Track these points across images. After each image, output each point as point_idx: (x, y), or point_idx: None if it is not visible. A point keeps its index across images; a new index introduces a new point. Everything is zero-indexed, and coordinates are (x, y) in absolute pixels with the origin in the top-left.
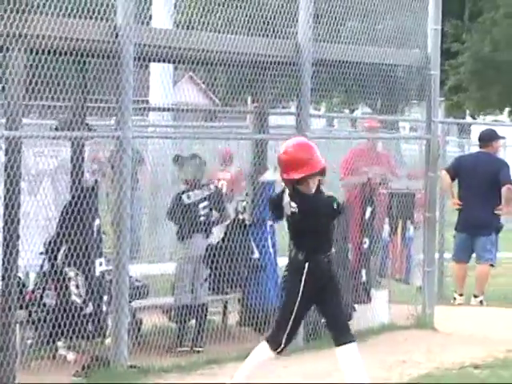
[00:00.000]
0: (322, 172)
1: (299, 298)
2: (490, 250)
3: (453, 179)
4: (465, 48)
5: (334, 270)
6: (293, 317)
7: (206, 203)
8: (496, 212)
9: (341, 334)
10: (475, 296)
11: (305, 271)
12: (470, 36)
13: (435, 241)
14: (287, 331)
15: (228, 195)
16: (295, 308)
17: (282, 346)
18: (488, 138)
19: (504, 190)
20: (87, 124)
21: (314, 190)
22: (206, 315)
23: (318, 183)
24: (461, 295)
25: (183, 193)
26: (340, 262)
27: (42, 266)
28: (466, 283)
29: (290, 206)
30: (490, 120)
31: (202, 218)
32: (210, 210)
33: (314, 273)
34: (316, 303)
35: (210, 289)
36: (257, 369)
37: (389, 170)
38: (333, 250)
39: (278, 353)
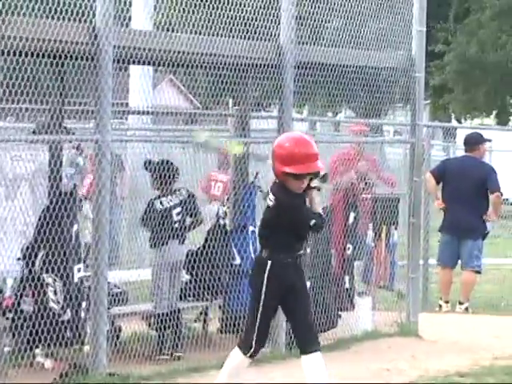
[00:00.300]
0: (322, 176)
1: (262, 299)
2: (477, 256)
3: (438, 182)
4: (450, 49)
5: (302, 272)
6: (258, 319)
7: (179, 209)
8: (485, 218)
9: (306, 343)
10: (460, 303)
11: (267, 270)
12: (455, 37)
13: (420, 246)
14: (255, 334)
15: (221, 197)
16: (259, 309)
17: (252, 349)
18: (474, 141)
19: (493, 197)
20: (65, 127)
21: (301, 191)
22: (180, 321)
23: (310, 187)
24: (446, 302)
25: (156, 199)
26: (323, 268)
27: (19, 272)
28: (451, 290)
29: (268, 197)
30: (477, 124)
31: (176, 225)
32: (184, 215)
33: (276, 273)
34: (282, 306)
35: (190, 295)
36: (233, 376)
37: (376, 174)
38: (304, 251)
39: (251, 357)
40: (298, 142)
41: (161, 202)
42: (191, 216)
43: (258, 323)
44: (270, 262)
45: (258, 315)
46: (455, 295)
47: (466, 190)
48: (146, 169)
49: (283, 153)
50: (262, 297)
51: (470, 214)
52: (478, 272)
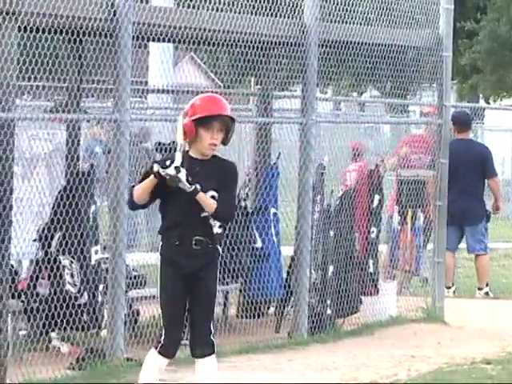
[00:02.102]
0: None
1: (164, 290)
2: (479, 239)
3: None
4: (480, 27)
5: (212, 261)
6: (163, 312)
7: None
8: (492, 212)
9: (200, 345)
10: (479, 288)
11: (159, 253)
12: (485, 15)
13: (446, 230)
14: (164, 330)
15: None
16: (162, 302)
17: (161, 344)
18: (466, 121)
19: (493, 184)
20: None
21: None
22: None
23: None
24: (448, 288)
25: None
26: (346, 252)
27: (35, 254)
28: (454, 275)
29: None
30: (506, 104)
31: None
32: None
33: (167, 258)
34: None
35: None
36: (153, 378)
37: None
38: (214, 232)
39: (162, 355)
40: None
41: None
42: None
43: (166, 318)
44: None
45: (164, 310)
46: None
47: (462, 176)
48: (157, 150)
49: None
50: (164, 288)
51: (469, 200)
52: (485, 253)
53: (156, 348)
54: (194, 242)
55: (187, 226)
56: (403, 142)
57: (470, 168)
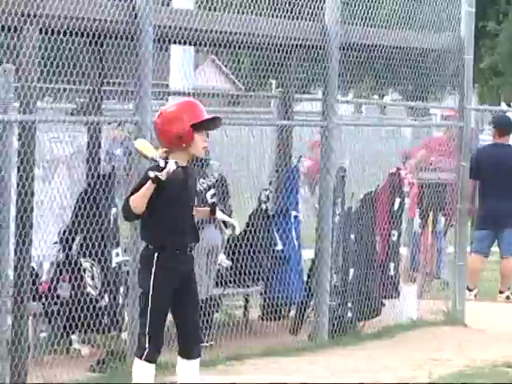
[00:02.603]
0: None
1: (151, 297)
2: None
3: (477, 178)
4: (501, 28)
5: (142, 267)
6: (153, 320)
7: (213, 191)
8: None
9: (187, 347)
10: (501, 292)
11: (154, 262)
12: (507, 17)
13: (467, 233)
14: (150, 337)
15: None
16: (153, 310)
17: (147, 351)
18: (507, 126)
19: None
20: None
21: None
22: (216, 308)
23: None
24: (470, 290)
25: None
26: (367, 255)
27: (56, 257)
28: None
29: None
30: None
31: None
32: (220, 198)
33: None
34: (173, 303)
35: (230, 281)
36: None
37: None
38: (150, 243)
39: (149, 361)
40: None
41: None
42: (221, 199)
43: (148, 325)
44: (156, 254)
45: (148, 317)
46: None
47: (500, 181)
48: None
49: None
50: (150, 295)
51: (507, 204)
52: None
53: (141, 357)
54: (189, 249)
55: (183, 233)
56: (421, 144)
57: (509, 172)
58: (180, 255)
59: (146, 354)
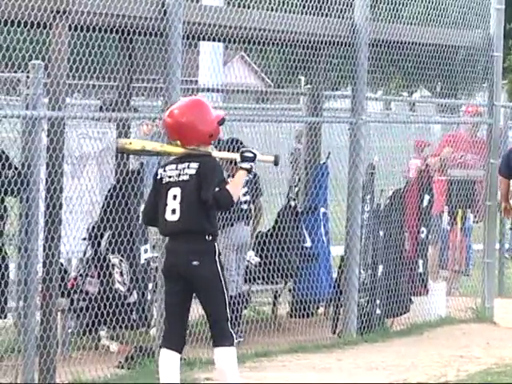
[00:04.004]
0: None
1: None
2: None
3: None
4: None
5: (208, 259)
6: (166, 309)
7: (245, 189)
8: None
9: (216, 336)
10: None
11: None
12: None
13: (496, 231)
14: (167, 326)
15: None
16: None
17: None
18: None
19: None
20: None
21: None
22: (245, 304)
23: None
24: None
25: None
26: (395, 252)
27: (84, 253)
28: None
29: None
30: None
31: (243, 205)
32: (251, 196)
33: (168, 257)
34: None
35: (259, 278)
36: (175, 377)
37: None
38: (212, 234)
39: (175, 350)
40: None
41: None
42: (252, 197)
43: (167, 314)
44: (165, 245)
45: (166, 305)
46: None
47: None
48: (216, 147)
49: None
50: (165, 286)
51: None
52: None
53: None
54: None
55: None
56: (445, 141)
57: None
58: None
59: (168, 343)
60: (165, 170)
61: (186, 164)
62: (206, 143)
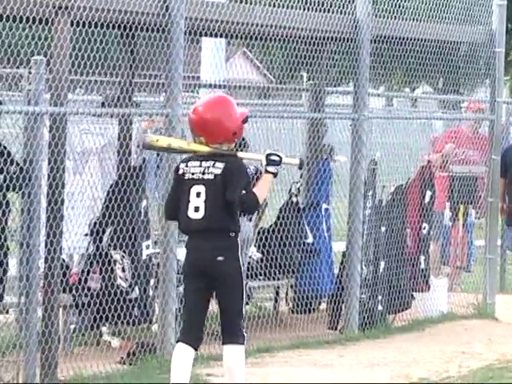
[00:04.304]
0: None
1: (185, 284)
2: None
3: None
4: None
5: (232, 256)
6: (184, 306)
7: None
8: None
9: (229, 333)
10: None
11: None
12: None
13: (498, 227)
14: (185, 321)
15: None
16: (184, 294)
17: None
18: None
19: None
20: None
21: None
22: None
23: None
24: None
25: None
26: (397, 248)
27: (86, 249)
28: None
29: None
30: None
31: None
32: None
33: (191, 254)
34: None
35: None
36: (186, 373)
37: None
38: (235, 232)
39: (192, 346)
40: None
41: None
42: None
43: (184, 311)
44: (187, 242)
45: (184, 302)
46: None
47: None
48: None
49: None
50: (185, 282)
51: None
52: None
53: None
54: None
55: None
56: (446, 137)
57: None
58: None
59: (187, 338)
60: (187, 166)
61: (211, 162)
62: (229, 141)
